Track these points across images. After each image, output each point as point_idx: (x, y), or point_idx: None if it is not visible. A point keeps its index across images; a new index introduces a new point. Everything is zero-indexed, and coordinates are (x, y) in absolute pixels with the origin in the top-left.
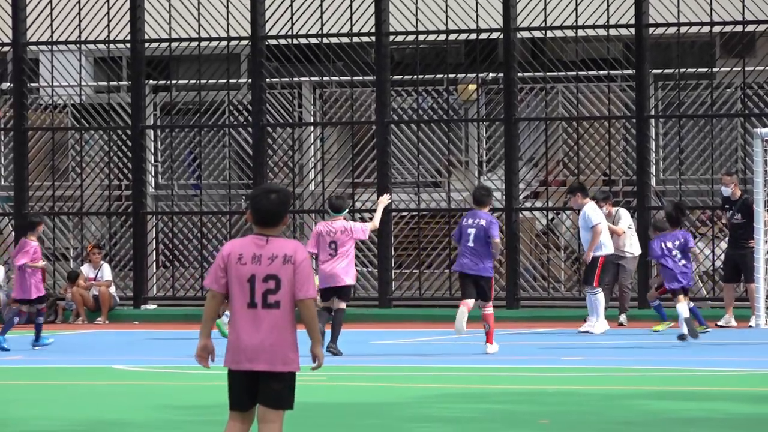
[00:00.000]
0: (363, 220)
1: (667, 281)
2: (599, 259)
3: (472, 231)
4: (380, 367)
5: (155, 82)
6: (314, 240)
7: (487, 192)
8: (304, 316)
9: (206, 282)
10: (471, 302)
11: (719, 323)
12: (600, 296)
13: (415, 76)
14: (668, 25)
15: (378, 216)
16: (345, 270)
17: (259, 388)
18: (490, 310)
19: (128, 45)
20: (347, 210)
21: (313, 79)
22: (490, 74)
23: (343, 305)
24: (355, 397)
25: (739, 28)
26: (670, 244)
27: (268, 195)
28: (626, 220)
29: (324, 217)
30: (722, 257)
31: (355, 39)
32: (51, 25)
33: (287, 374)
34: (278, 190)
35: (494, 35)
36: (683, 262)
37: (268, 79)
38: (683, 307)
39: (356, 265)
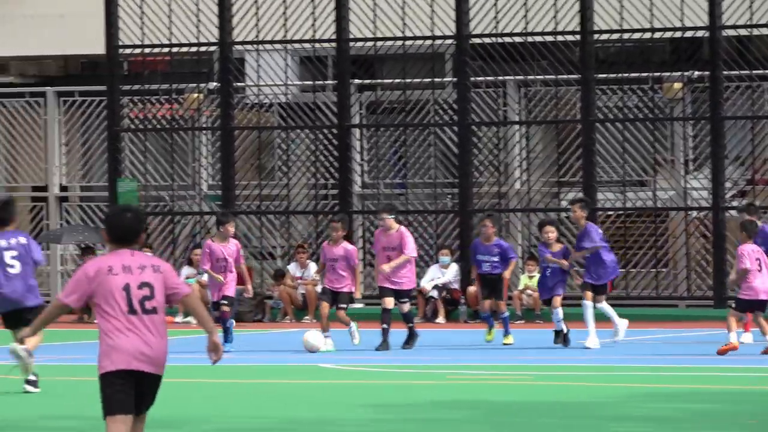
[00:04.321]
0: (569, 219)
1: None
2: None
3: None
4: (586, 367)
5: (360, 81)
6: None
7: None
8: (194, 309)
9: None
10: None
11: None
12: None
13: (620, 75)
14: None
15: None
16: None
17: (137, 392)
18: None
19: (333, 44)
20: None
21: (517, 77)
22: (696, 72)
23: None
24: (560, 396)
25: None
26: None
27: (123, 214)
28: None
29: (529, 216)
30: None
31: (560, 37)
32: (257, 24)
33: (161, 376)
34: (133, 209)
35: (700, 33)
36: None
37: (472, 78)
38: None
39: None
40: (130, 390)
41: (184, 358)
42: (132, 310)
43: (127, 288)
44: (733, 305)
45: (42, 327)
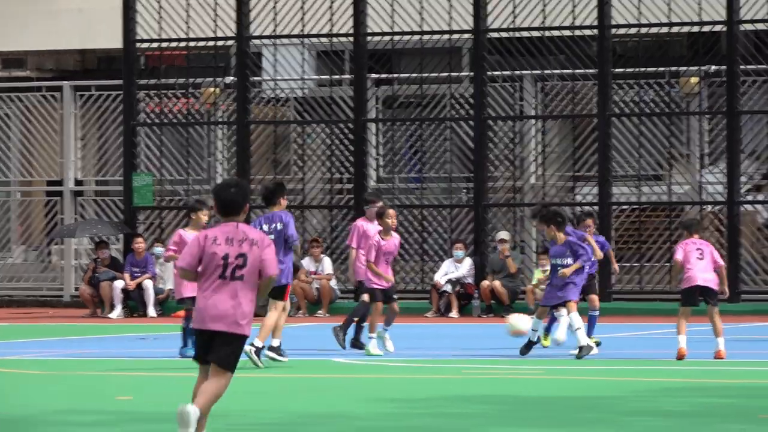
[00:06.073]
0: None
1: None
2: None
3: None
4: (600, 361)
5: (377, 75)
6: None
7: None
8: (263, 290)
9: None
10: None
11: None
12: None
13: (637, 69)
14: None
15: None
16: None
17: (212, 346)
18: None
19: (351, 38)
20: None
21: (534, 72)
22: (713, 67)
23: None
24: (574, 390)
25: None
26: None
27: (228, 188)
28: None
29: None
30: None
31: (577, 32)
32: (274, 18)
33: (238, 335)
34: (237, 183)
35: (717, 27)
36: None
37: (489, 72)
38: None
39: None
40: (205, 344)
41: None
42: (223, 276)
43: (226, 257)
44: (681, 302)
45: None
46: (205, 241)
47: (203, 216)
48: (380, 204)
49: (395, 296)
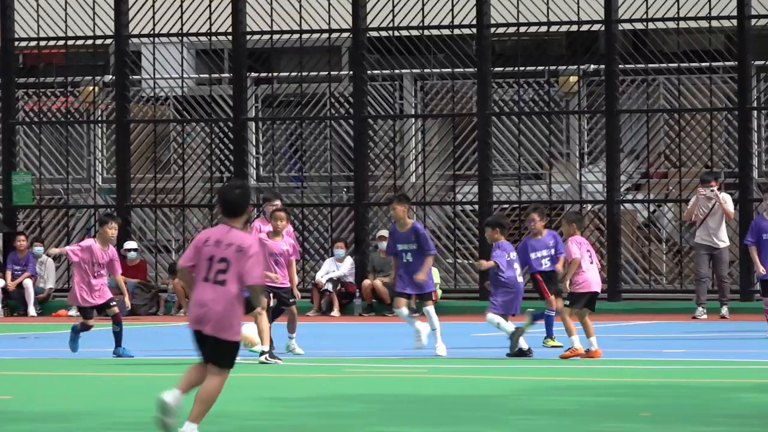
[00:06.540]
0: (464, 212)
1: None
2: None
3: None
4: (482, 360)
5: (257, 74)
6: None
7: None
8: (252, 295)
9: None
10: None
11: None
12: None
13: (517, 68)
14: None
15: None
16: None
17: (205, 347)
18: None
19: (230, 37)
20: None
21: (414, 71)
22: (592, 66)
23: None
24: (458, 389)
25: None
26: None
27: (233, 189)
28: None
29: (425, 210)
30: None
31: (457, 31)
32: (153, 17)
33: (226, 341)
34: (242, 185)
35: (596, 27)
36: None
37: (369, 71)
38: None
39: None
40: (199, 343)
41: (89, 351)
42: (206, 278)
43: (211, 259)
44: (567, 302)
45: (189, 289)
46: (201, 242)
47: (109, 230)
48: (277, 203)
49: (291, 300)
